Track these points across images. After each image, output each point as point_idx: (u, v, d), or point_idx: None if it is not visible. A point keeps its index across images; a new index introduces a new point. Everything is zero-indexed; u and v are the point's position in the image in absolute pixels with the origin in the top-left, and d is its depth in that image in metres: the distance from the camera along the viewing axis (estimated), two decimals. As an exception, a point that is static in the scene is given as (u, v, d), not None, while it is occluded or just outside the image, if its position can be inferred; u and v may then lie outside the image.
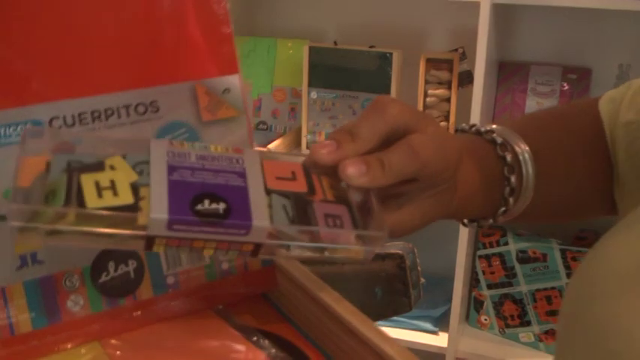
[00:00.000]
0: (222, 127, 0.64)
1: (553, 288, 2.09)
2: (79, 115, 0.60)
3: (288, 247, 0.57)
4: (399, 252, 1.77)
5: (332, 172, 0.57)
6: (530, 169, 0.69)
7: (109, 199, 0.53)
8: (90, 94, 0.60)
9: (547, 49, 2.18)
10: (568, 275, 2.06)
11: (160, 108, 0.62)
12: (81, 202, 0.54)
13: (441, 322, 2.19)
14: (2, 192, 0.56)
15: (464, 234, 1.99)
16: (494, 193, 0.70)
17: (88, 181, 0.54)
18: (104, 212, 0.53)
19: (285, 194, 0.56)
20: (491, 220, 0.71)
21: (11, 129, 0.58)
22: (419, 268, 1.84)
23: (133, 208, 0.54)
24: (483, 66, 1.87)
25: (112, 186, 0.54)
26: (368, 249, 0.55)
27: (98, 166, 0.56)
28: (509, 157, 0.69)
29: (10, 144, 0.58)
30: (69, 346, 0.60)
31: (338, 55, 2.12)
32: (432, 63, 2.09)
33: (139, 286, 0.65)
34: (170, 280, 0.66)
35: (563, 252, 2.05)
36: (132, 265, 0.65)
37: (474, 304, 2.23)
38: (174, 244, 0.54)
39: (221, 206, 0.54)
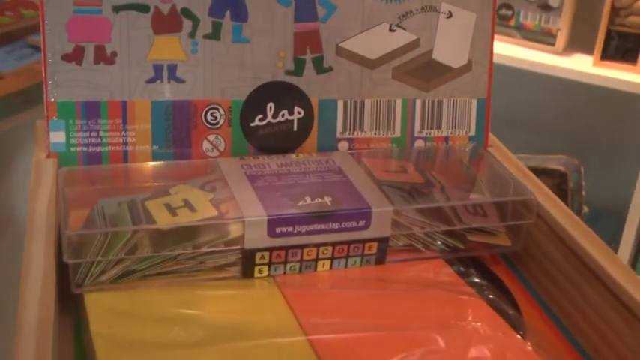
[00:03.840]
0: None
1: None
2: None
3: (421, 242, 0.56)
4: (561, 169, 1.61)
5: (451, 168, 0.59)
6: None
7: (185, 216, 0.51)
8: None
9: None
10: None
11: None
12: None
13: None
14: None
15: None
16: None
17: (155, 205, 0.51)
18: (184, 224, 0.51)
19: (399, 186, 0.55)
20: None
21: None
22: (583, 192, 1.69)
23: (219, 219, 0.51)
24: None
25: (187, 204, 0.52)
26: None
27: (162, 193, 0.53)
28: None
29: None
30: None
31: None
32: None
33: (301, 144, 0.60)
34: (343, 147, 0.61)
35: None
36: (298, 113, 0.59)
37: (645, 251, 2.07)
38: (279, 258, 0.52)
39: (327, 199, 0.52)
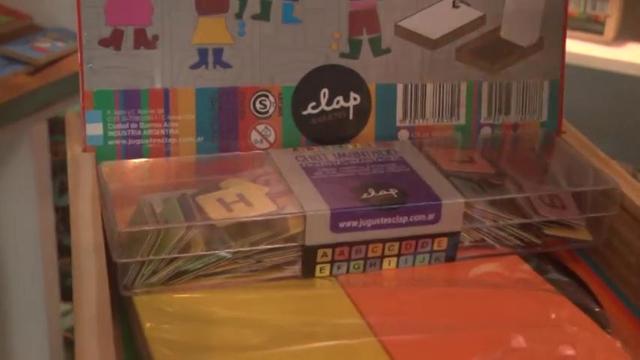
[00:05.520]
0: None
1: None
2: None
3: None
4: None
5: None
6: None
7: (242, 211, 0.51)
8: None
9: None
10: None
11: None
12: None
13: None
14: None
15: None
16: None
17: (207, 200, 0.52)
18: (243, 219, 0.51)
19: (468, 177, 0.56)
20: None
21: None
22: None
23: (278, 214, 0.51)
24: None
25: (242, 198, 0.52)
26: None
27: (212, 188, 0.54)
28: None
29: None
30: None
31: None
32: None
33: (358, 133, 0.59)
34: (403, 136, 0.61)
35: None
36: (354, 100, 0.60)
37: None
38: (343, 255, 0.52)
39: (393, 191, 0.53)
